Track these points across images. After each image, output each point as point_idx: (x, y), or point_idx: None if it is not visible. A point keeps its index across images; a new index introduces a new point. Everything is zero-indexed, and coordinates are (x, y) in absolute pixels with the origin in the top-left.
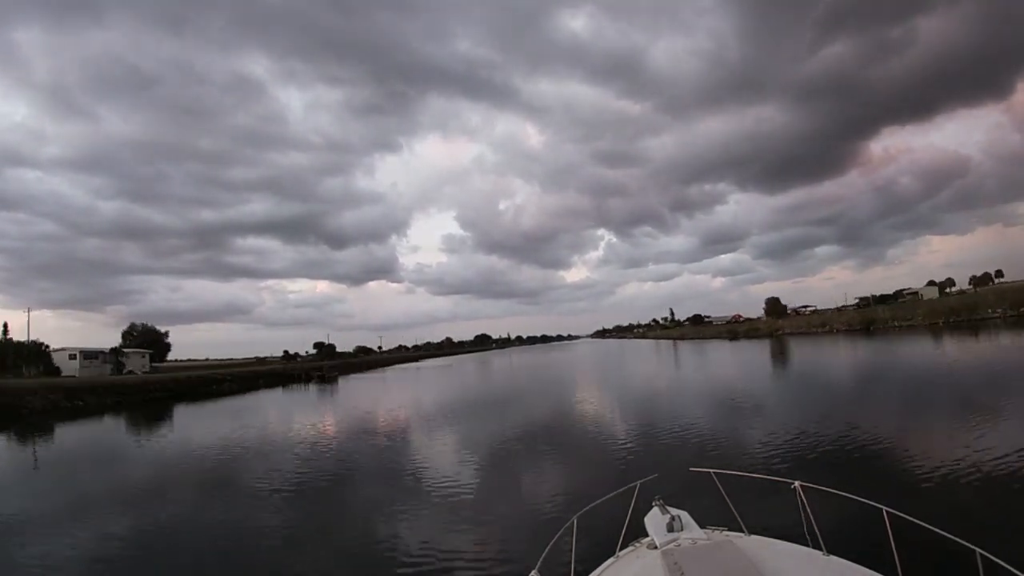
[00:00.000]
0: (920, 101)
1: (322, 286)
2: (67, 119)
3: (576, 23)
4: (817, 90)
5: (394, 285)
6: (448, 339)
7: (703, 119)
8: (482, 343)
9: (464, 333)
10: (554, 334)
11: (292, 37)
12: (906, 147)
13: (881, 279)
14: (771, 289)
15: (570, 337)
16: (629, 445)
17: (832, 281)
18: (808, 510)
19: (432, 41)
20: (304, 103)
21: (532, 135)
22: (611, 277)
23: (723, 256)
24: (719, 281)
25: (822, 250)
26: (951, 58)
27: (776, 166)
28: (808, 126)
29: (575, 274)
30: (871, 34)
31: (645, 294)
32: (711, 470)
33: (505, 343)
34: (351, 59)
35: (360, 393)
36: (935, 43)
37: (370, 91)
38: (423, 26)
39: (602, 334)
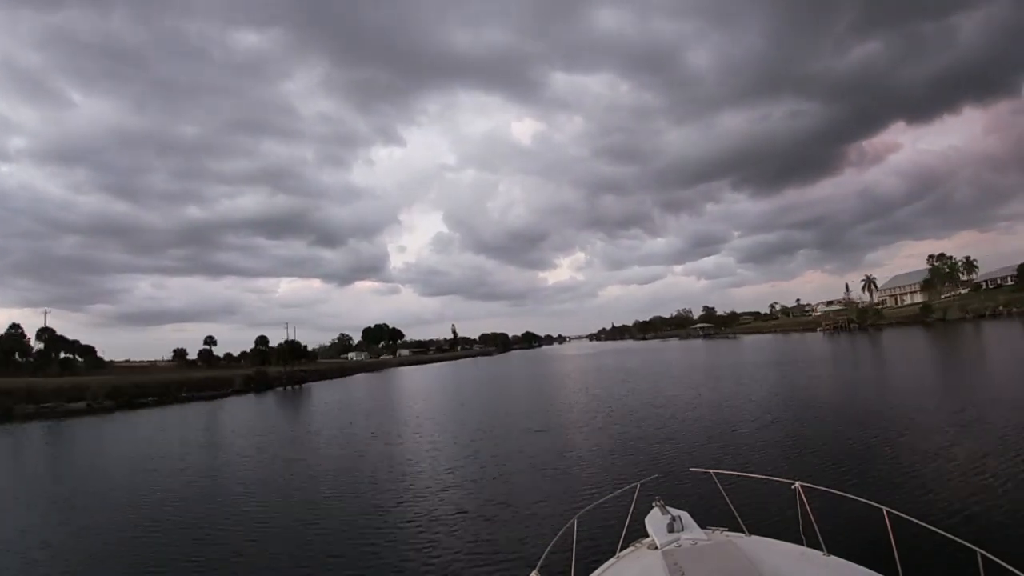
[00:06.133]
0: (934, 100)
1: (310, 284)
2: (34, 105)
3: (608, 15)
4: (846, 86)
5: (382, 285)
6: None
7: (724, 114)
8: (371, 342)
9: (452, 333)
10: (543, 334)
11: (296, 9)
12: (896, 147)
13: (859, 283)
14: (751, 292)
15: (560, 339)
16: (629, 445)
17: (811, 285)
18: (808, 510)
19: (449, 25)
20: (303, 87)
21: (530, 130)
22: (595, 278)
23: (707, 259)
24: (702, 283)
25: (803, 253)
26: (975, 56)
27: (776, 166)
28: (826, 123)
29: (559, 275)
30: (907, 29)
31: (629, 295)
32: (711, 470)
33: (461, 347)
34: (358, 40)
35: None
36: (971, 41)
37: (371, 76)
38: (443, 8)
39: (615, 333)
